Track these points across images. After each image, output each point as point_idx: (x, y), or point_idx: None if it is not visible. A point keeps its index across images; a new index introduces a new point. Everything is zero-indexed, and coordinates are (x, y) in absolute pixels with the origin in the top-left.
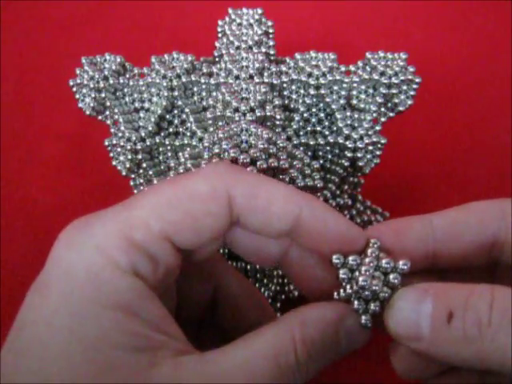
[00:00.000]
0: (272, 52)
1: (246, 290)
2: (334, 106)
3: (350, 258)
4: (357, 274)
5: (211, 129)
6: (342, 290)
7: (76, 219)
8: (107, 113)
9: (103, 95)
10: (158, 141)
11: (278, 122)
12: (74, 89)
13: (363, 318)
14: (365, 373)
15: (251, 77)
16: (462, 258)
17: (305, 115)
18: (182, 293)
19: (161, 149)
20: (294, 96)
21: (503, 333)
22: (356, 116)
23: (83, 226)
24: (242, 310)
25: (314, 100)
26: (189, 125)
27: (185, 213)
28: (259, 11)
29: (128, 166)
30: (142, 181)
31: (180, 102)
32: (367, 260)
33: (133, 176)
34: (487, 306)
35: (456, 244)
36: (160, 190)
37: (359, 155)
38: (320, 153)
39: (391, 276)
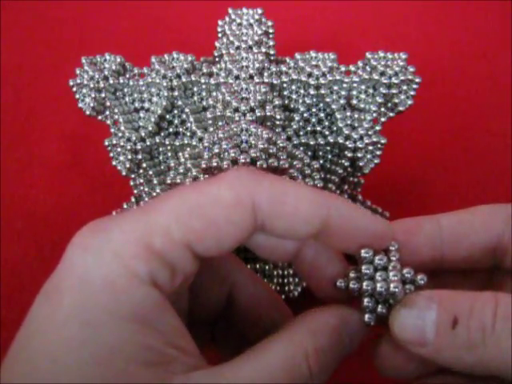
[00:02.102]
0: (272, 52)
1: (261, 289)
2: (334, 106)
3: (377, 258)
4: (379, 274)
5: (211, 129)
6: (353, 282)
7: (92, 221)
8: (107, 113)
9: (103, 95)
10: (158, 141)
11: (278, 122)
12: (74, 89)
13: (367, 316)
14: (364, 373)
15: (251, 77)
16: (465, 260)
17: (305, 115)
18: (196, 294)
19: (161, 149)
20: (294, 96)
21: (506, 339)
22: (356, 116)
23: (100, 229)
24: (257, 309)
25: (314, 100)
26: (189, 125)
27: (207, 221)
28: (259, 11)
29: (128, 166)
30: (141, 181)
31: (180, 102)
32: (393, 264)
33: (133, 176)
34: (491, 312)
35: (461, 245)
36: (181, 195)
37: (359, 155)
38: (320, 153)
39: (407, 286)
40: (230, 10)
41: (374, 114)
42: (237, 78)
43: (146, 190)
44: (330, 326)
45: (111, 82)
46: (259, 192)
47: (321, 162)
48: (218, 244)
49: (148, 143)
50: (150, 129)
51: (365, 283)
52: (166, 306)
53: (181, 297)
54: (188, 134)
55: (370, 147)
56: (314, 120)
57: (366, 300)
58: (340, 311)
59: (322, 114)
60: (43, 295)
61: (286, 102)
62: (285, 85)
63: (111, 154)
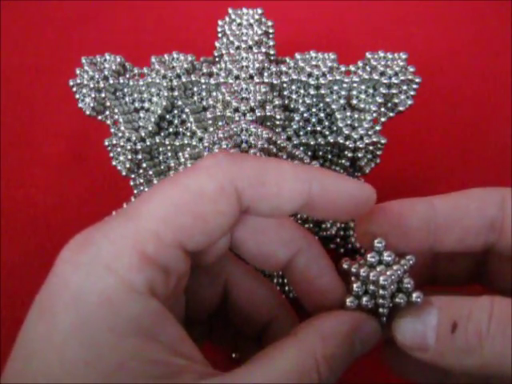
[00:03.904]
0: (272, 52)
1: (257, 284)
2: (334, 106)
3: (382, 278)
4: (393, 287)
5: (211, 129)
6: (366, 299)
7: (78, 234)
8: (107, 113)
9: (103, 95)
10: (158, 141)
11: (278, 122)
12: (74, 89)
13: (384, 319)
14: (365, 373)
15: (251, 77)
16: (458, 243)
17: (305, 115)
18: (190, 292)
19: (161, 149)
20: (294, 96)
21: (500, 341)
22: (356, 116)
23: (88, 243)
24: (253, 304)
25: (314, 100)
26: (189, 125)
27: (195, 216)
28: (259, 11)
29: (128, 165)
30: (141, 181)
31: (180, 102)
32: (398, 270)
33: (133, 176)
34: (487, 316)
35: (455, 229)
36: (164, 192)
37: (359, 155)
38: (320, 153)
39: (405, 279)
40: (230, 10)
41: (374, 114)
42: (237, 77)
43: (146, 190)
44: (341, 332)
45: (111, 81)
46: (240, 177)
47: (321, 161)
48: (207, 237)
49: (148, 143)
50: (150, 129)
51: (381, 300)
52: (166, 314)
53: (177, 299)
54: (188, 133)
55: (370, 147)
56: (314, 120)
57: (382, 311)
58: (353, 316)
59: (322, 114)
60: (36, 314)
61: (286, 102)
62: (285, 85)
63: (111, 154)
